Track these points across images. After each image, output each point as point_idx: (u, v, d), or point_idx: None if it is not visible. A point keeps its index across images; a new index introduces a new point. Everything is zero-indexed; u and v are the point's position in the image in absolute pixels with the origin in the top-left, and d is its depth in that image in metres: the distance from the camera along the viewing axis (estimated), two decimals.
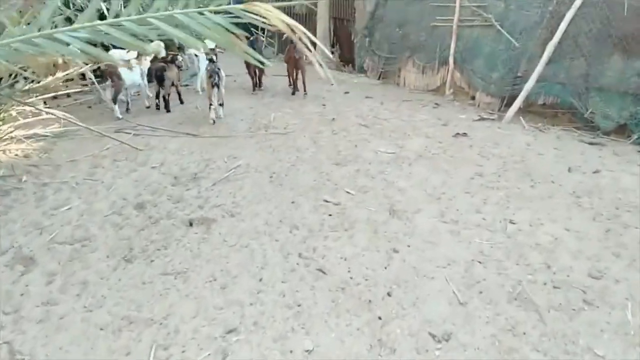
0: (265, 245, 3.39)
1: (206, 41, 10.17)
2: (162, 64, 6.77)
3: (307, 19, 13.16)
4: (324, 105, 7.35)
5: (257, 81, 8.79)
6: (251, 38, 11.55)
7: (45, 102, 6.56)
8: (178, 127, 6.11)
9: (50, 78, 5.69)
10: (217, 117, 6.40)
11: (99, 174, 4.63)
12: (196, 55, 8.41)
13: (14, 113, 5.01)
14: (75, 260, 3.21)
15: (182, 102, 7.43)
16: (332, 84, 9.65)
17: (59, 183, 4.40)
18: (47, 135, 5.07)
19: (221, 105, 6.58)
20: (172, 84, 6.98)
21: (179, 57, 7.53)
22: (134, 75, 6.71)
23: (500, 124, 6.38)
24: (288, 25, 1.59)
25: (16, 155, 4.81)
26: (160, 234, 3.55)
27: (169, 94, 6.94)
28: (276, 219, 3.77)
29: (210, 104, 6.29)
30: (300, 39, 1.58)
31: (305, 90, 8.23)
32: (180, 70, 7.55)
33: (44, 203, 4.03)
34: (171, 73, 6.82)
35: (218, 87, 6.24)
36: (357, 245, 3.39)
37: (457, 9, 7.79)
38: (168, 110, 6.90)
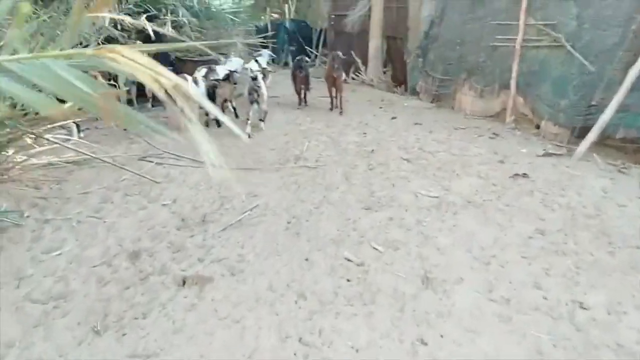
0: (262, 321, 2.74)
1: (259, 59, 9.89)
2: (214, 81, 6.97)
3: (359, 37, 12.57)
4: (365, 133, 6.66)
5: (303, 98, 9.02)
6: (298, 57, 11.15)
7: (78, 126, 6.38)
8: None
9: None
10: (259, 129, 6.72)
11: (106, 210, 4.20)
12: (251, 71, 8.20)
13: (28, 140, 4.73)
14: (40, 327, 2.72)
15: (237, 117, 7.34)
16: (381, 107, 9.00)
17: (61, 220, 4.00)
18: (63, 164, 4.75)
19: (262, 120, 6.86)
20: (225, 101, 7.19)
21: (235, 74, 7.32)
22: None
23: (569, 161, 5.40)
24: (158, 81, 0.97)
25: (26, 185, 4.50)
26: (145, 294, 3.01)
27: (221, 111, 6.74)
28: (283, 281, 3.12)
29: (247, 119, 6.59)
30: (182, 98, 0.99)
31: (341, 108, 8.33)
32: (236, 85, 7.34)
33: (37, 245, 3.62)
34: (222, 90, 7.00)
35: (258, 103, 6.60)
36: (375, 328, 2.67)
37: (521, 27, 6.89)
38: (219, 126, 6.82)
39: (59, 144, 4.64)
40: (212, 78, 7.11)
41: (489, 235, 3.67)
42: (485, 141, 6.26)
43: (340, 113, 8.20)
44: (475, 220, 3.91)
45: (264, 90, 6.58)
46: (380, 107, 9.11)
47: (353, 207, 4.20)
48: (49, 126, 4.76)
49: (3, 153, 4.46)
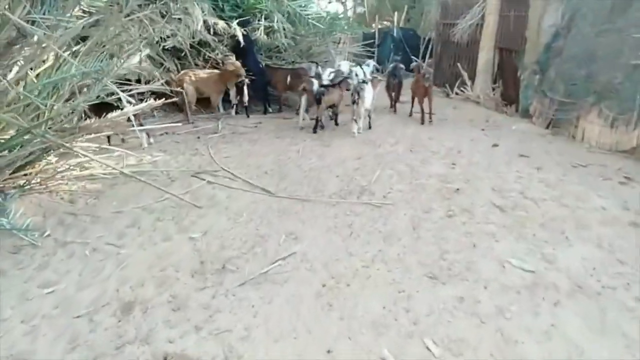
0: None
1: (365, 68, 9.10)
2: (323, 87, 6.90)
3: (468, 48, 11.15)
4: (453, 164, 5.47)
5: (394, 103, 8.97)
6: (393, 64, 10.17)
7: (147, 134, 6.05)
8: (263, 177, 4.95)
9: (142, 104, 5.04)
10: (357, 131, 6.83)
11: (129, 237, 3.64)
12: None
13: (76, 148, 4.37)
14: None
15: (336, 124, 7.52)
16: (483, 130, 7.66)
17: (79, 244, 3.51)
18: (108, 176, 4.31)
19: (356, 120, 6.81)
20: (332, 106, 7.25)
21: (349, 80, 7.30)
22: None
23: None
24: None
25: (62, 198, 4.12)
26: None
27: (319, 117, 7.06)
28: None
29: (354, 119, 6.82)
30: None
31: (430, 119, 8.07)
32: (348, 90, 7.13)
33: (39, 275, 3.14)
34: (329, 96, 6.88)
35: (357, 103, 6.65)
36: None
37: None
38: (315, 132, 6.97)
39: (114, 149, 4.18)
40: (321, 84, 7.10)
41: (606, 352, 2.41)
42: (613, 188, 4.75)
43: (430, 122, 7.98)
44: (586, 321, 2.65)
45: (367, 93, 6.66)
46: (482, 130, 7.76)
47: (413, 272, 3.15)
48: (100, 134, 4.36)
49: (43, 161, 4.13)
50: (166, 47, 8.16)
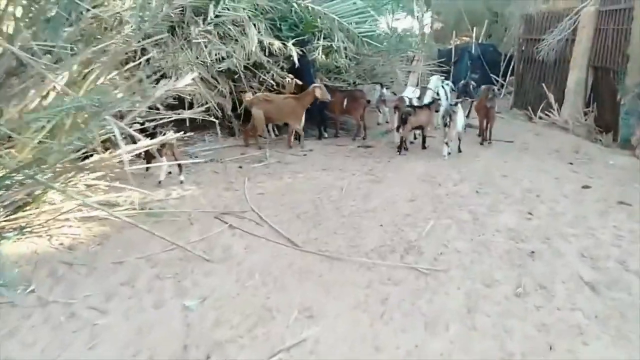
0: None
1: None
2: (410, 108, 6.70)
3: (555, 66, 9.78)
4: (530, 213, 4.39)
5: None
6: (462, 82, 9.21)
7: (180, 167, 5.59)
8: (294, 222, 4.22)
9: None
10: (448, 154, 6.57)
11: (117, 299, 3.06)
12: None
13: (81, 186, 3.93)
14: None
15: (424, 148, 7.16)
16: (571, 164, 6.43)
17: (61, 305, 2.99)
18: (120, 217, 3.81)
19: (447, 143, 6.59)
20: (419, 127, 6.96)
21: (439, 102, 7.20)
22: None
23: None
24: None
25: (61, 244, 3.67)
26: None
27: (404, 138, 6.86)
28: None
29: (445, 142, 6.59)
30: None
31: (490, 140, 7.68)
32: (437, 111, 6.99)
33: (1, 345, 2.63)
34: (416, 117, 6.63)
35: (448, 126, 6.46)
36: None
37: None
38: (399, 152, 6.80)
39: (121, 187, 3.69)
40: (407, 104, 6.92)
41: None
42: None
43: (489, 143, 7.62)
44: None
45: (458, 116, 6.45)
46: (570, 164, 6.50)
47: None
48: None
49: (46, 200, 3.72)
50: (220, 69, 7.80)
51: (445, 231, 3.97)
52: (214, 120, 6.76)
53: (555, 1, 10.75)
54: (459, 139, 6.90)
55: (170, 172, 5.46)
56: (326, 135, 8.11)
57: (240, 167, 6.07)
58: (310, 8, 5.01)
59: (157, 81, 5.86)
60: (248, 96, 7.41)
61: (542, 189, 5.18)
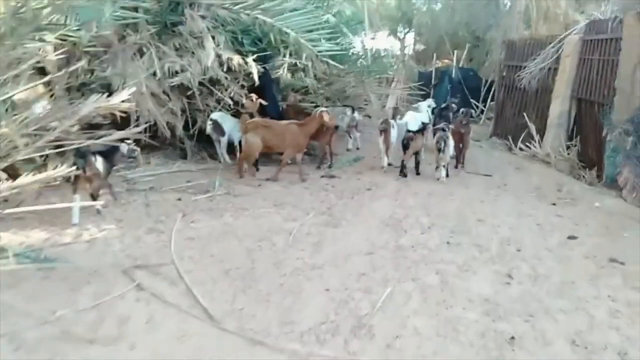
0: None
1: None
2: (412, 133, 6.65)
3: (537, 96, 9.22)
4: (509, 277, 3.62)
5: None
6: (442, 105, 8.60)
7: (114, 197, 4.71)
8: (220, 282, 3.38)
9: None
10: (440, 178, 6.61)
11: None
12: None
13: None
14: None
15: (417, 173, 7.01)
16: (554, 204, 5.76)
17: None
18: None
19: (444, 166, 6.68)
20: (416, 153, 6.93)
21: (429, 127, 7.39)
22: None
23: None
24: None
25: None
26: None
27: (406, 162, 6.77)
28: None
29: (437, 166, 6.81)
30: None
31: (463, 164, 7.67)
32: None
33: None
34: (415, 143, 6.64)
35: (442, 151, 6.50)
36: None
37: None
38: (403, 175, 6.72)
39: None
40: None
41: None
42: None
43: (462, 167, 7.62)
44: None
45: (451, 142, 6.57)
46: (553, 204, 5.84)
47: None
48: None
49: None
50: (173, 84, 6.98)
51: (406, 302, 3.17)
52: (154, 142, 5.91)
53: (538, 27, 10.29)
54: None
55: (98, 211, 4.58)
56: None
57: (179, 199, 5.22)
58: (263, 21, 4.22)
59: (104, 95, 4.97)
60: (249, 105, 6.59)
61: (522, 239, 4.45)
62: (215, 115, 6.85)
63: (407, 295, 3.25)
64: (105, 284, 3.23)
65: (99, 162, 4.58)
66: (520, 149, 9.22)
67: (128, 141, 5.22)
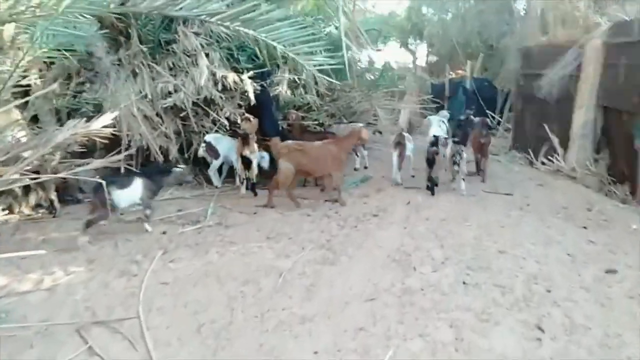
0: None
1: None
2: (435, 147, 6.32)
3: (559, 105, 8.52)
4: (539, 330, 2.96)
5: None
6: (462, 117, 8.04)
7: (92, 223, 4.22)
8: (188, 343, 2.81)
9: None
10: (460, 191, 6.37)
11: None
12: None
13: None
14: None
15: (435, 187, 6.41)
16: (585, 228, 5.09)
17: None
18: None
19: (463, 179, 6.50)
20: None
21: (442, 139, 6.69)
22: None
23: None
24: None
25: None
26: None
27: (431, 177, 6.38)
28: None
29: (453, 178, 6.71)
30: None
31: (484, 178, 7.35)
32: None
33: None
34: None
35: (458, 164, 6.45)
36: None
37: None
38: (432, 192, 6.32)
39: None
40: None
41: None
42: None
43: (483, 181, 7.27)
44: None
45: (465, 155, 6.54)
46: (584, 228, 5.16)
47: None
48: None
49: None
50: (166, 106, 6.54)
51: None
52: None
53: (556, 33, 9.61)
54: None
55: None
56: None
57: (164, 232, 4.69)
58: (244, 33, 3.71)
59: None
60: (246, 126, 6.06)
61: (552, 275, 3.78)
62: (209, 137, 6.37)
63: (414, 357, 2.63)
64: (51, 348, 2.69)
65: (137, 185, 4.56)
66: (543, 162, 8.51)
67: (181, 166, 5.21)
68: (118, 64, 6.83)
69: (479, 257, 4.12)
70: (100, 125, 5.13)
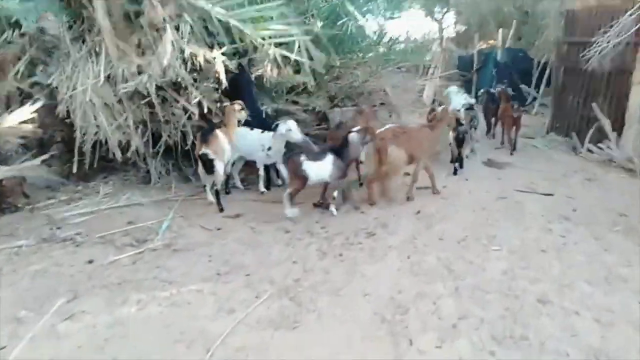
0: None
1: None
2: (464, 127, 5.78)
3: (613, 80, 6.82)
4: None
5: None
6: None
7: None
8: None
9: None
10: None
11: None
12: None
13: None
14: None
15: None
16: None
17: None
18: None
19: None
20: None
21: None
22: None
23: None
24: None
25: None
26: None
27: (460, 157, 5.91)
28: None
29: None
30: None
31: (514, 148, 7.05)
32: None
33: None
34: None
35: (475, 128, 6.36)
36: None
37: None
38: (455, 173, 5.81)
39: None
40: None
41: None
42: None
43: (512, 153, 6.99)
44: None
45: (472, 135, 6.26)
46: None
47: None
48: None
49: None
50: (125, 91, 5.30)
51: None
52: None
53: None
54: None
55: None
56: (280, 182, 5.48)
57: (91, 261, 3.51)
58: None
59: None
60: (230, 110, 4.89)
61: (622, 348, 2.38)
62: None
63: None
64: None
65: (328, 161, 4.23)
66: (590, 150, 6.89)
67: (355, 129, 4.46)
68: (83, 42, 5.60)
69: (510, 312, 2.75)
70: (17, 120, 3.99)
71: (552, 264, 3.44)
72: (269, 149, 4.92)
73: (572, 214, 4.61)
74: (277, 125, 4.77)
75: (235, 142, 4.87)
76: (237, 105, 5.02)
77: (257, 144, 4.97)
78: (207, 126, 4.64)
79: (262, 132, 5.04)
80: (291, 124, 4.75)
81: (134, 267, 3.44)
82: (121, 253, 3.65)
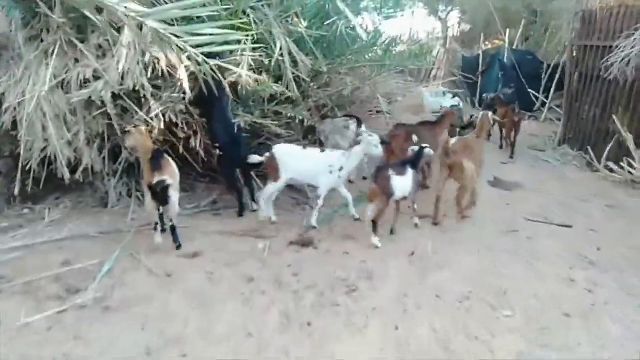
0: None
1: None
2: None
3: (636, 90, 5.95)
4: None
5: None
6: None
7: None
8: None
9: None
10: None
11: None
12: None
13: None
14: None
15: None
16: None
17: None
18: None
19: None
20: None
21: None
22: None
23: None
24: None
25: None
26: None
27: None
28: None
29: None
30: None
31: (513, 153, 6.85)
32: None
33: None
34: None
35: None
36: None
37: None
38: None
39: None
40: None
41: None
42: None
43: (511, 157, 6.78)
44: None
45: None
46: None
47: None
48: None
49: None
50: (79, 99, 4.49)
51: None
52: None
53: None
54: None
55: None
56: (255, 208, 4.66)
57: None
58: None
59: None
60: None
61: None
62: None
63: None
64: None
65: (409, 176, 3.80)
66: (609, 168, 6.02)
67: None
68: (41, 41, 4.82)
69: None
70: None
71: (579, 339, 2.63)
72: (341, 169, 4.09)
73: (596, 255, 3.79)
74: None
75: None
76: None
77: (324, 165, 4.12)
78: (153, 152, 3.78)
79: (322, 151, 4.22)
80: (377, 138, 4.22)
81: (46, 335, 2.65)
82: (40, 311, 2.86)
